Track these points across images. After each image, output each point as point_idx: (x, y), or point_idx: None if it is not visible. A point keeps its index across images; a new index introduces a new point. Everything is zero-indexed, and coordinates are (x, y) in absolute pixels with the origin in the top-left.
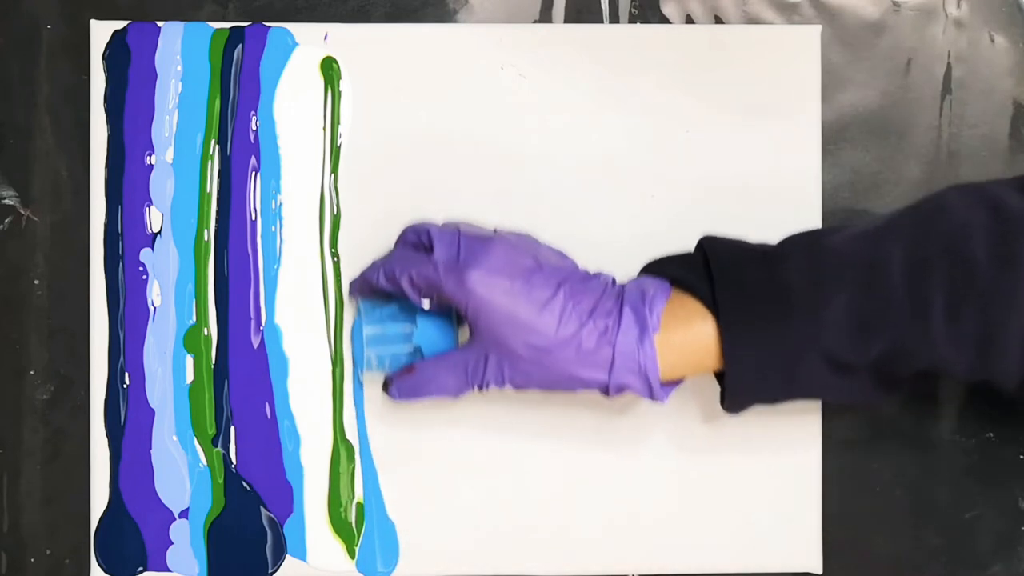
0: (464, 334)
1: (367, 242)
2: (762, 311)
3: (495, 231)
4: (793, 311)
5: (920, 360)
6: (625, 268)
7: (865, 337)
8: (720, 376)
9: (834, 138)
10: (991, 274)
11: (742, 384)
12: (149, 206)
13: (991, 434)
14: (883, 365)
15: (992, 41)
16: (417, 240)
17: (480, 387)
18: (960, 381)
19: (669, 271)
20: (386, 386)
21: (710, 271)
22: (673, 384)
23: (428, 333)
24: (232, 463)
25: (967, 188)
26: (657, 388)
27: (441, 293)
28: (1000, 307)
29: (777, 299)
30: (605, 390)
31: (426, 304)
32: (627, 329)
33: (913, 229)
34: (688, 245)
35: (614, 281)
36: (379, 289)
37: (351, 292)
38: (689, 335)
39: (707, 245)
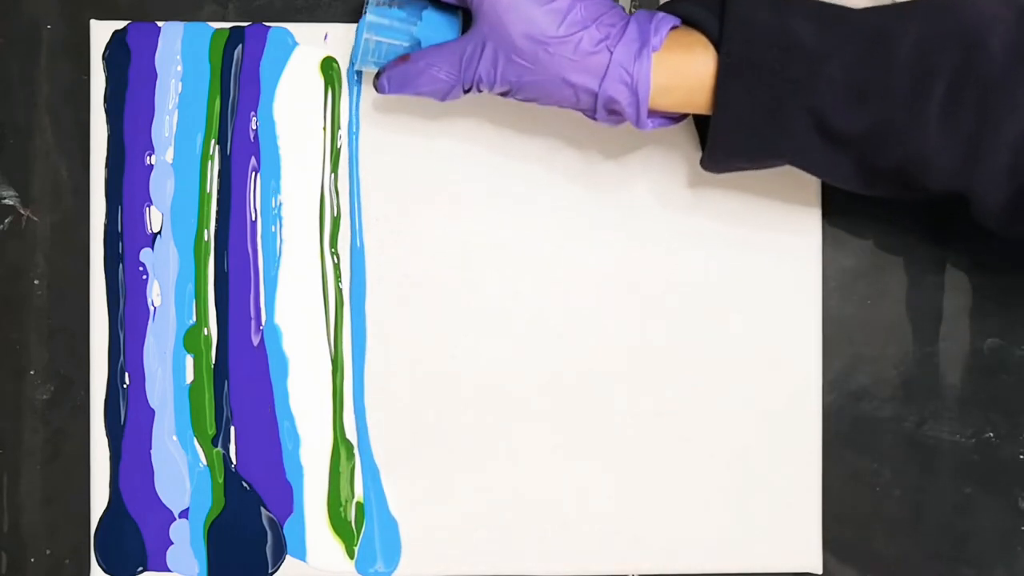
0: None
1: (367, 242)
2: (763, 55)
3: None
4: (793, 60)
5: (908, 145)
6: (623, 262)
7: (859, 104)
8: (706, 130)
9: None
10: (1000, 67)
11: (728, 128)
12: (149, 206)
13: (991, 434)
14: (870, 143)
15: None
16: None
17: (472, 86)
18: (939, 189)
19: (682, 8)
20: (377, 78)
21: (724, 9)
22: (660, 118)
23: (432, 26)
24: (232, 463)
25: None
26: (644, 106)
27: None
28: (1000, 103)
29: (781, 45)
30: (592, 105)
31: None
32: (628, 41)
33: (930, 13)
34: (691, 233)
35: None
36: None
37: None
38: (688, 60)
39: None
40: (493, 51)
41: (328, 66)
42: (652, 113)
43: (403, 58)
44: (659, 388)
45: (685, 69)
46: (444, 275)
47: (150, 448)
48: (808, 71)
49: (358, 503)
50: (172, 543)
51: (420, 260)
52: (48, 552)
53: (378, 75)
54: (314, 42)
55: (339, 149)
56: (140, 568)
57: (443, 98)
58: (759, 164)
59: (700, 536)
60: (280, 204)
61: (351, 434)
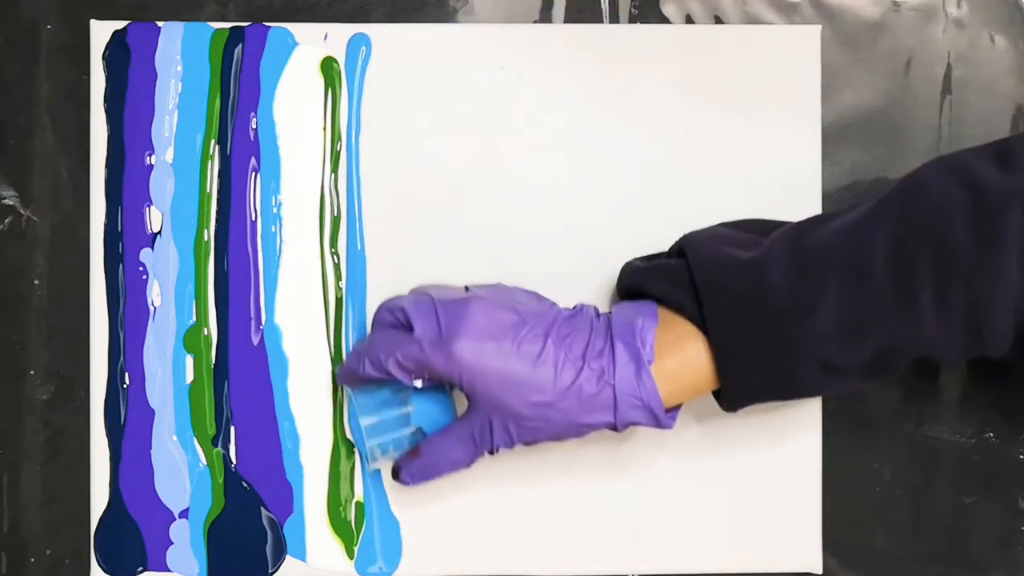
0: (462, 401)
1: (367, 242)
2: (752, 326)
3: (467, 288)
4: (783, 323)
5: (913, 352)
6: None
7: (857, 340)
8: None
9: (834, 138)
10: (974, 256)
11: (739, 397)
12: (149, 206)
13: (991, 434)
14: (877, 361)
15: (992, 41)
16: (394, 320)
17: (491, 452)
18: (954, 363)
19: (654, 290)
20: (396, 473)
21: (695, 285)
22: (677, 408)
23: (426, 412)
24: (232, 463)
25: (944, 165)
26: (663, 417)
27: (431, 370)
28: (986, 287)
29: (765, 312)
30: (614, 429)
31: (418, 383)
32: (623, 367)
33: (892, 219)
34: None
35: (597, 312)
36: (366, 378)
37: (340, 382)
38: (684, 359)
39: (689, 254)
40: (502, 424)
41: (328, 66)
42: (668, 410)
43: (415, 451)
44: None
45: (685, 368)
46: (444, 275)
47: (150, 448)
48: (800, 329)
49: (358, 503)
50: (172, 543)
51: (420, 260)
52: (48, 552)
53: (396, 471)
54: (314, 42)
55: (339, 149)
56: (140, 568)
57: (467, 467)
58: (774, 401)
59: (700, 536)
60: (280, 204)
61: (351, 434)
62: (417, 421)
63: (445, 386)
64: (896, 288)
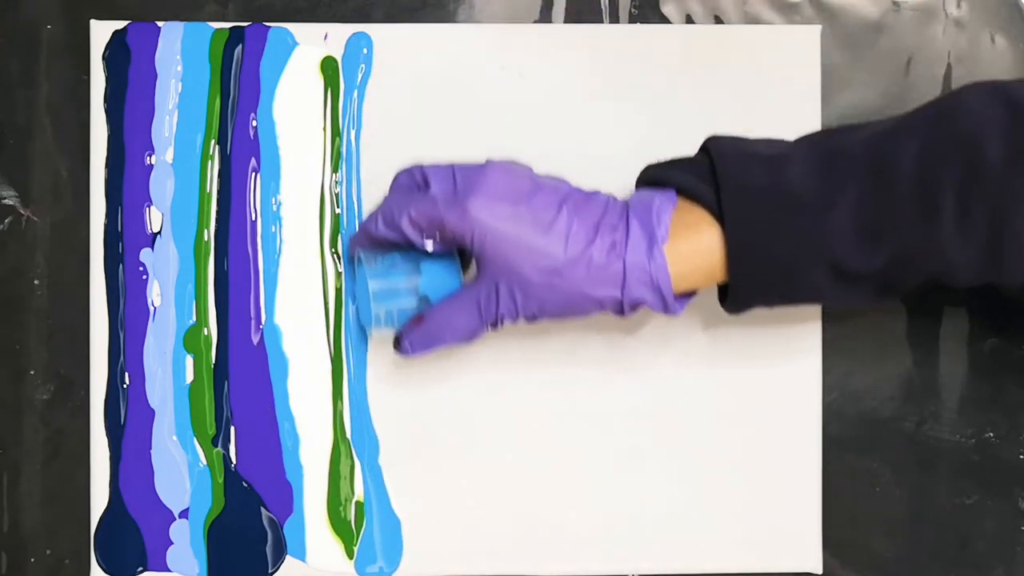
0: (470, 275)
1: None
2: (767, 218)
3: (487, 160)
4: (799, 218)
5: (928, 265)
6: None
7: (872, 243)
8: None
9: None
10: (1004, 173)
11: (745, 292)
12: (149, 206)
13: (991, 434)
14: (889, 272)
15: (992, 41)
16: (411, 181)
17: (494, 324)
18: (964, 286)
19: (675, 179)
20: (397, 343)
21: (716, 175)
22: (687, 296)
23: (434, 279)
24: (232, 463)
25: (985, 86)
26: (671, 300)
27: (443, 229)
28: (1011, 206)
29: (783, 205)
30: (619, 308)
31: (429, 246)
32: (636, 242)
33: (926, 128)
34: None
35: (613, 198)
36: (379, 238)
37: (349, 248)
38: (697, 243)
39: (712, 148)
40: (508, 290)
41: (328, 66)
42: (677, 296)
43: (418, 319)
44: (659, 388)
45: (697, 253)
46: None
47: (150, 448)
48: (816, 225)
49: (358, 503)
50: (172, 543)
51: None
52: (48, 552)
53: (397, 339)
54: (314, 42)
55: (339, 149)
56: (140, 568)
57: (469, 342)
58: (780, 305)
59: (700, 536)
60: (280, 204)
61: (351, 434)
62: (425, 289)
63: (455, 256)
64: (919, 194)
